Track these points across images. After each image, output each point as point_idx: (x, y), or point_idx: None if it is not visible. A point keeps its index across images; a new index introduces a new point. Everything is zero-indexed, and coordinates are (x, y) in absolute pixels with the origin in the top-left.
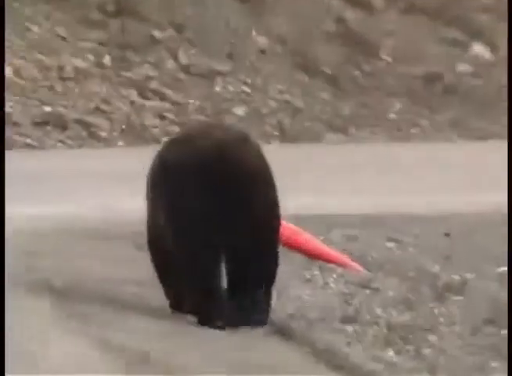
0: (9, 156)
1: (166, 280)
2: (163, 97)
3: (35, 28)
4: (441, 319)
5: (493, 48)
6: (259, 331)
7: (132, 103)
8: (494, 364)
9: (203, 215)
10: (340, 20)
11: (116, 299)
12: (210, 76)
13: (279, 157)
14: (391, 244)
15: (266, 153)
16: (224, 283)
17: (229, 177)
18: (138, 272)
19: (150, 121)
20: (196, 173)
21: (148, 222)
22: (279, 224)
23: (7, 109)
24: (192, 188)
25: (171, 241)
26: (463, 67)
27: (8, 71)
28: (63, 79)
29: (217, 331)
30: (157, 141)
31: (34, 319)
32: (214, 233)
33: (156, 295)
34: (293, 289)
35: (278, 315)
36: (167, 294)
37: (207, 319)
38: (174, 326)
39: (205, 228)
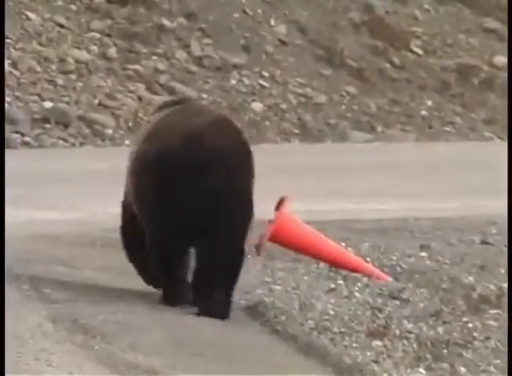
0: (6, 155)
1: (136, 260)
2: (173, 92)
3: (33, 16)
4: (477, 334)
5: None
6: (282, 349)
7: (140, 98)
8: None
9: (170, 201)
10: (367, 8)
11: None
12: (224, 69)
13: (299, 158)
14: (422, 252)
15: (285, 153)
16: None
17: (198, 166)
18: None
19: None
20: (164, 163)
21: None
22: (248, 215)
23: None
24: (158, 178)
25: (143, 225)
26: (500, 60)
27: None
28: (64, 72)
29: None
30: None
31: (34, 333)
32: (181, 220)
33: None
34: (315, 299)
35: (299, 328)
36: (139, 271)
37: (168, 298)
38: (180, 336)
39: (172, 215)
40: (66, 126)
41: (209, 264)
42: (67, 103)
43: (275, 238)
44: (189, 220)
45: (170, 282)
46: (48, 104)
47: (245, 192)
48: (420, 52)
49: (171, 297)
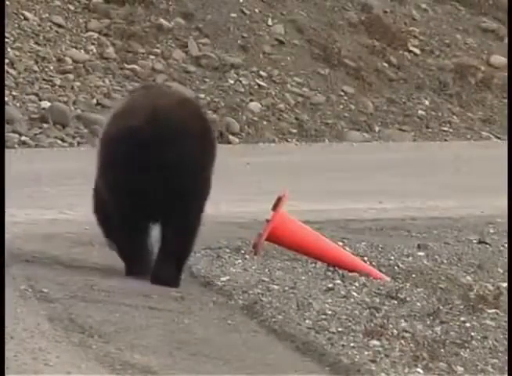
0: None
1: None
2: None
3: (31, 16)
4: (474, 334)
5: None
6: (279, 348)
7: None
8: None
9: (133, 176)
10: (365, 8)
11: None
12: (222, 68)
13: (297, 157)
14: (419, 252)
15: (283, 153)
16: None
17: (159, 142)
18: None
19: None
20: (128, 140)
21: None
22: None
23: None
24: (124, 156)
25: (109, 201)
26: (498, 59)
27: None
28: (61, 72)
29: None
30: None
31: (32, 333)
32: (144, 194)
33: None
34: (313, 299)
35: (296, 327)
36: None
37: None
38: (177, 336)
39: (135, 189)
40: (63, 126)
41: (167, 237)
42: (65, 102)
43: (273, 237)
44: (151, 193)
45: (134, 253)
46: (45, 104)
47: (204, 169)
48: (417, 51)
49: (136, 268)
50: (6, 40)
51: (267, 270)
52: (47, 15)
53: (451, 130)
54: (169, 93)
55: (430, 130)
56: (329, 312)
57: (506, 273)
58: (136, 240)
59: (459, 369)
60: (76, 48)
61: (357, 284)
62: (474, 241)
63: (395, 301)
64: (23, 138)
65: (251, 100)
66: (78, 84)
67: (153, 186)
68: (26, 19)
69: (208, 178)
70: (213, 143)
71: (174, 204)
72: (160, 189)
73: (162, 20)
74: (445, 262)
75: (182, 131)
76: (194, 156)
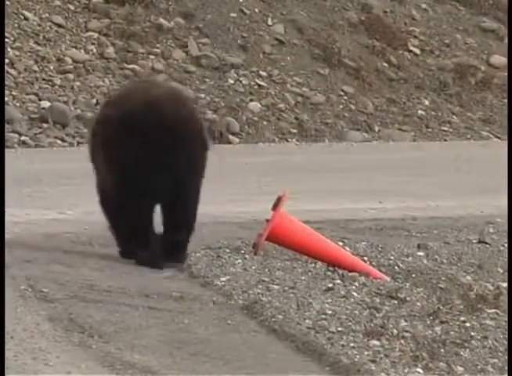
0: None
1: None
2: None
3: (31, 16)
4: (474, 333)
5: None
6: (279, 348)
7: None
8: None
9: (135, 162)
10: (365, 8)
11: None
12: (222, 68)
13: (297, 157)
14: (419, 252)
15: (283, 153)
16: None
17: (156, 130)
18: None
19: None
20: (126, 126)
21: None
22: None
23: None
24: (124, 140)
25: (112, 188)
26: (498, 59)
27: None
28: (61, 72)
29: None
30: None
31: (33, 332)
32: (146, 179)
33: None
34: (312, 299)
35: (296, 327)
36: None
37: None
38: (177, 336)
39: (137, 174)
40: (63, 126)
41: (167, 220)
42: (65, 102)
43: (273, 237)
44: (148, 177)
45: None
46: (45, 104)
47: (196, 154)
48: (417, 51)
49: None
50: (6, 40)
51: (267, 270)
52: (47, 15)
53: (451, 130)
54: (161, 84)
55: (430, 130)
56: (329, 312)
57: (506, 273)
58: (137, 220)
59: (459, 369)
60: (76, 48)
61: (357, 284)
62: (474, 241)
63: (395, 301)
64: (23, 138)
65: (251, 100)
66: (78, 84)
67: (151, 167)
68: (26, 19)
69: (203, 159)
70: (201, 125)
71: (172, 183)
72: (158, 170)
73: (162, 20)
74: (445, 261)
75: (174, 115)
76: (188, 138)
